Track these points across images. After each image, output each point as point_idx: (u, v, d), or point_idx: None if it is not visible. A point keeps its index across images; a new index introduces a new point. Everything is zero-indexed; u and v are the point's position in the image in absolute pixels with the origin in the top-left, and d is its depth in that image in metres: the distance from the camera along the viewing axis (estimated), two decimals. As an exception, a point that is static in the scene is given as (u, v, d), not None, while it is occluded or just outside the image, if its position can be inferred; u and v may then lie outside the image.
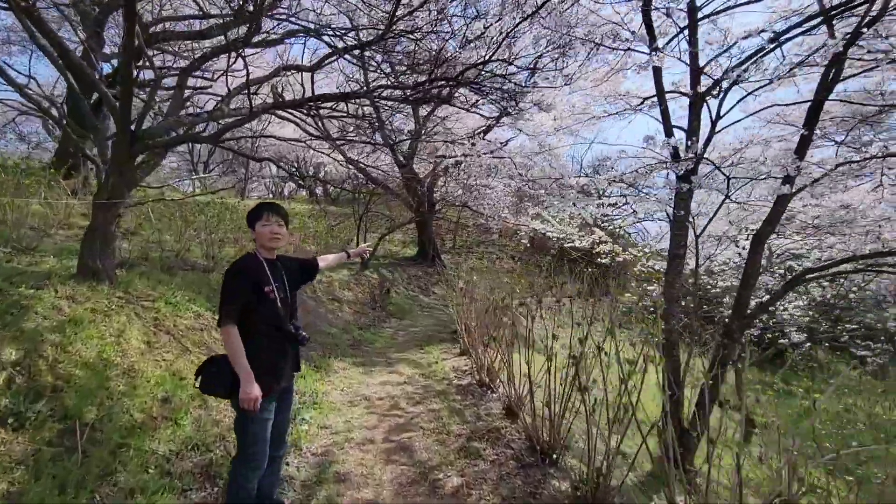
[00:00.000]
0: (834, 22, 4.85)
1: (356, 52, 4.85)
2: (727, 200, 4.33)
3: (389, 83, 4.67)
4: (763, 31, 5.33)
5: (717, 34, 5.23)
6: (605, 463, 2.75)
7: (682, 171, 4.95)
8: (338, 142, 6.00)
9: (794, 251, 6.11)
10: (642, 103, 6.19)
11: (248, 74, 4.36)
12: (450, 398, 4.52)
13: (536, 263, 12.37)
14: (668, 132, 5.12)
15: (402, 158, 12.92)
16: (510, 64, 4.75)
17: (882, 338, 6.21)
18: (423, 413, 4.09)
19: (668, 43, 5.21)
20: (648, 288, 8.62)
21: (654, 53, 4.83)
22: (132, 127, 4.16)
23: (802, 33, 5.09)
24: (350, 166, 13.33)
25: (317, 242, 12.82)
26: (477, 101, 5.56)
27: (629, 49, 5.50)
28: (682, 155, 5.05)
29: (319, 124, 6.23)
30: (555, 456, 3.20)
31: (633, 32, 5.17)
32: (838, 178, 5.20)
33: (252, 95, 4.80)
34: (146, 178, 4.94)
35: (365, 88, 4.88)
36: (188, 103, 6.03)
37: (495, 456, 3.27)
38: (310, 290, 8.83)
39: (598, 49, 5.79)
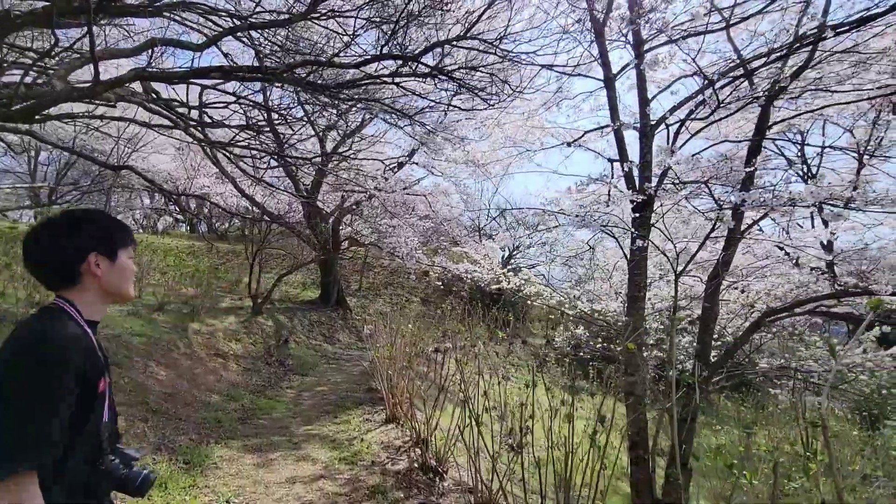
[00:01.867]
0: (760, 71, 4.89)
1: (267, 31, 3.60)
2: (709, 238, 3.83)
3: (319, 61, 3.47)
4: (696, 73, 5.28)
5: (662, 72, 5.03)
6: None
7: (637, 203, 4.46)
8: (220, 147, 4.54)
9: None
10: (582, 136, 5.79)
11: (91, 39, 2.87)
12: (389, 498, 3.18)
13: (451, 306, 11.48)
14: (624, 159, 4.66)
15: (304, 191, 11.43)
16: (497, 45, 3.84)
17: (798, 376, 6.39)
18: (356, 533, 2.71)
19: (618, 74, 4.84)
20: (576, 331, 8.13)
21: (616, 75, 4.38)
22: None
23: (729, 83, 5.06)
24: (240, 195, 11.47)
25: (196, 284, 10.50)
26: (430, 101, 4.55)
27: (578, 74, 5.04)
28: (636, 185, 4.59)
29: (201, 133, 4.73)
30: None
31: (585, 49, 4.71)
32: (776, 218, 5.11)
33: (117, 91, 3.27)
34: None
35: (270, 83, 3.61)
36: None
37: None
38: (183, 342, 6.79)
39: (540, 70, 5.28)
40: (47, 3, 3.08)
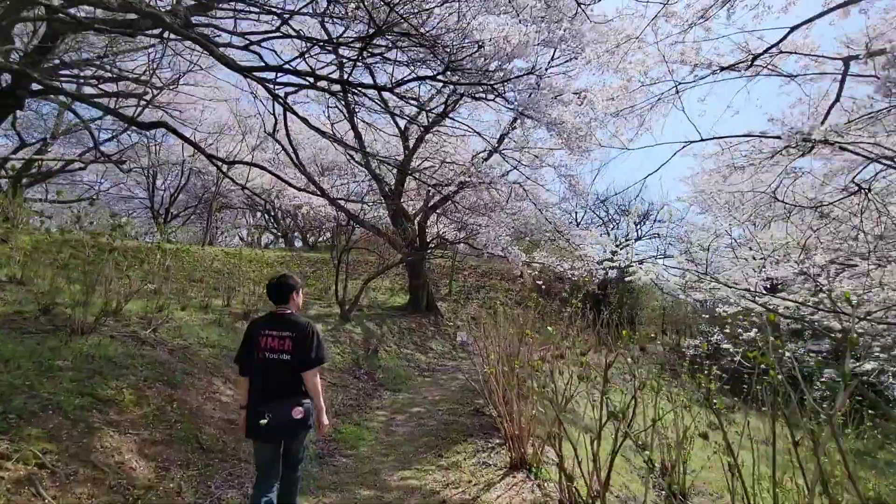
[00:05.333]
0: None
1: None
2: None
3: None
4: None
5: None
6: None
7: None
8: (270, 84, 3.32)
9: None
10: (786, 36, 3.79)
11: None
12: None
13: (556, 309, 9.63)
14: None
15: (388, 192, 10.38)
16: None
17: None
18: None
19: None
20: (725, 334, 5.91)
21: None
22: None
23: None
24: (329, 202, 10.76)
25: (285, 291, 9.82)
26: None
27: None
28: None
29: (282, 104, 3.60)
30: None
31: None
32: None
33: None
34: None
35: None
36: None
37: None
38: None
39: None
40: None
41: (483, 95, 7.26)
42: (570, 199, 11.94)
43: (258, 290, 9.23)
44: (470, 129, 8.89)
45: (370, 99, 8.99)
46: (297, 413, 2.33)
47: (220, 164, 4.64)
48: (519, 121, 10.03)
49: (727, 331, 5.71)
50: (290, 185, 5.03)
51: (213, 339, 5.34)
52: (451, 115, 9.44)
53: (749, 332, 5.78)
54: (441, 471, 3.41)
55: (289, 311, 2.56)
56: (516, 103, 6.89)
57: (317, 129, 5.14)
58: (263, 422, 2.23)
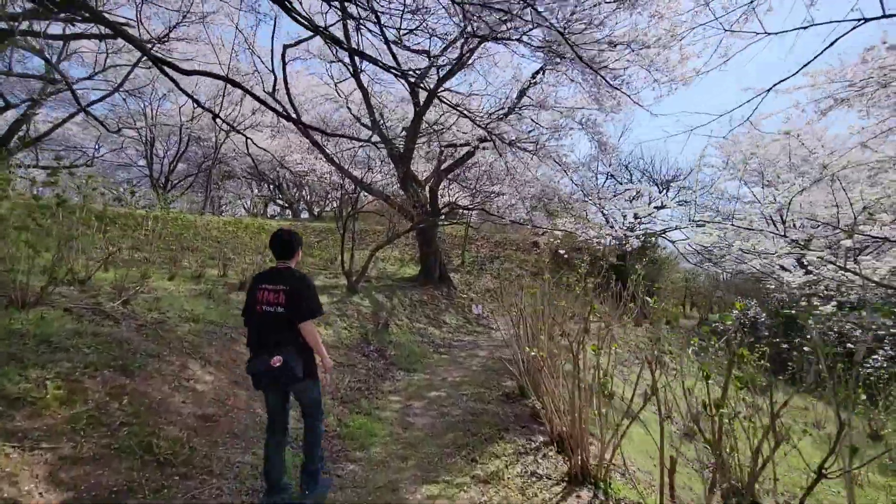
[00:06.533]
0: None
1: None
2: None
3: None
4: None
5: None
6: None
7: None
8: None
9: None
10: None
11: None
12: None
13: (578, 280, 8.72)
14: None
15: (397, 154, 9.33)
16: None
17: None
18: None
19: None
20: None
21: None
22: None
23: None
24: (331, 164, 9.76)
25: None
26: None
27: None
28: None
29: None
30: None
31: None
32: None
33: None
34: None
35: None
36: None
37: None
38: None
39: None
40: None
41: (506, 33, 6.12)
42: (599, 160, 10.74)
43: (258, 260, 8.37)
44: (487, 83, 7.74)
45: (372, 61, 7.88)
46: (276, 362, 2.27)
47: (173, 71, 3.61)
48: (540, 75, 8.90)
49: (804, 303, 4.74)
50: (262, 102, 4.01)
51: (197, 313, 4.48)
52: (473, 61, 8.28)
53: (826, 307, 4.82)
54: (478, 485, 2.55)
55: (287, 266, 2.51)
56: (545, 42, 5.75)
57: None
58: (251, 369, 2.30)
